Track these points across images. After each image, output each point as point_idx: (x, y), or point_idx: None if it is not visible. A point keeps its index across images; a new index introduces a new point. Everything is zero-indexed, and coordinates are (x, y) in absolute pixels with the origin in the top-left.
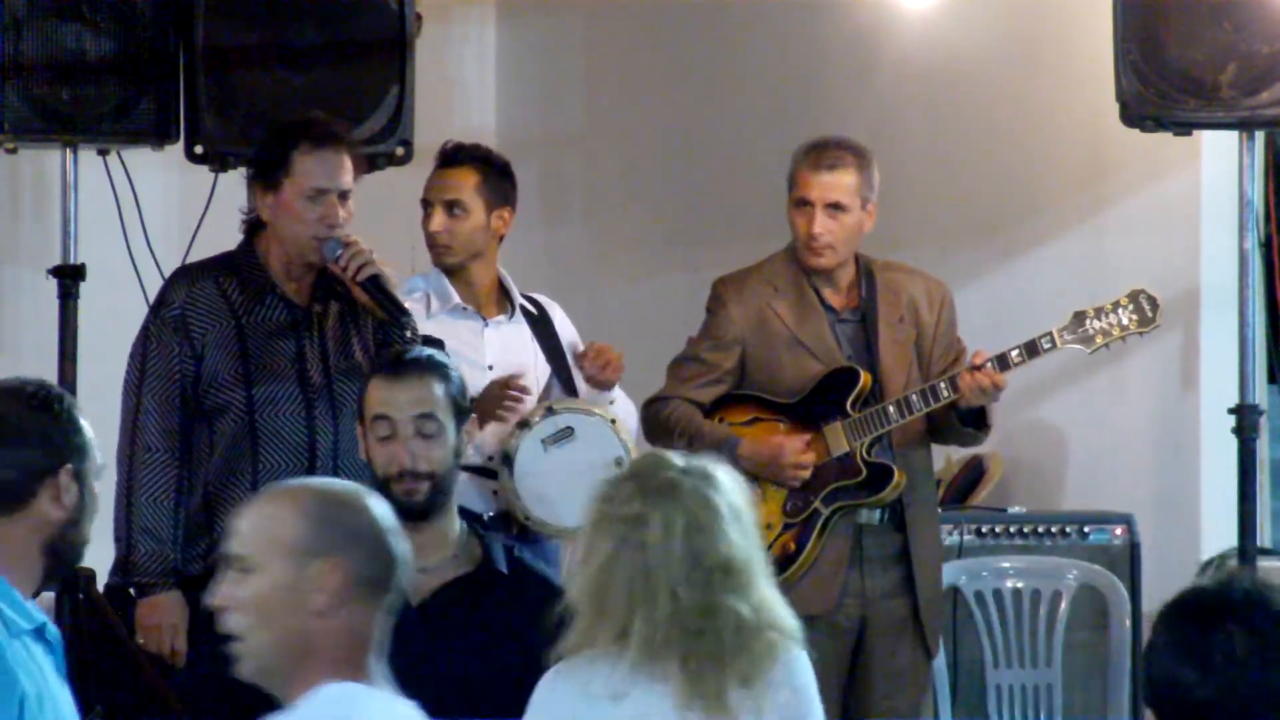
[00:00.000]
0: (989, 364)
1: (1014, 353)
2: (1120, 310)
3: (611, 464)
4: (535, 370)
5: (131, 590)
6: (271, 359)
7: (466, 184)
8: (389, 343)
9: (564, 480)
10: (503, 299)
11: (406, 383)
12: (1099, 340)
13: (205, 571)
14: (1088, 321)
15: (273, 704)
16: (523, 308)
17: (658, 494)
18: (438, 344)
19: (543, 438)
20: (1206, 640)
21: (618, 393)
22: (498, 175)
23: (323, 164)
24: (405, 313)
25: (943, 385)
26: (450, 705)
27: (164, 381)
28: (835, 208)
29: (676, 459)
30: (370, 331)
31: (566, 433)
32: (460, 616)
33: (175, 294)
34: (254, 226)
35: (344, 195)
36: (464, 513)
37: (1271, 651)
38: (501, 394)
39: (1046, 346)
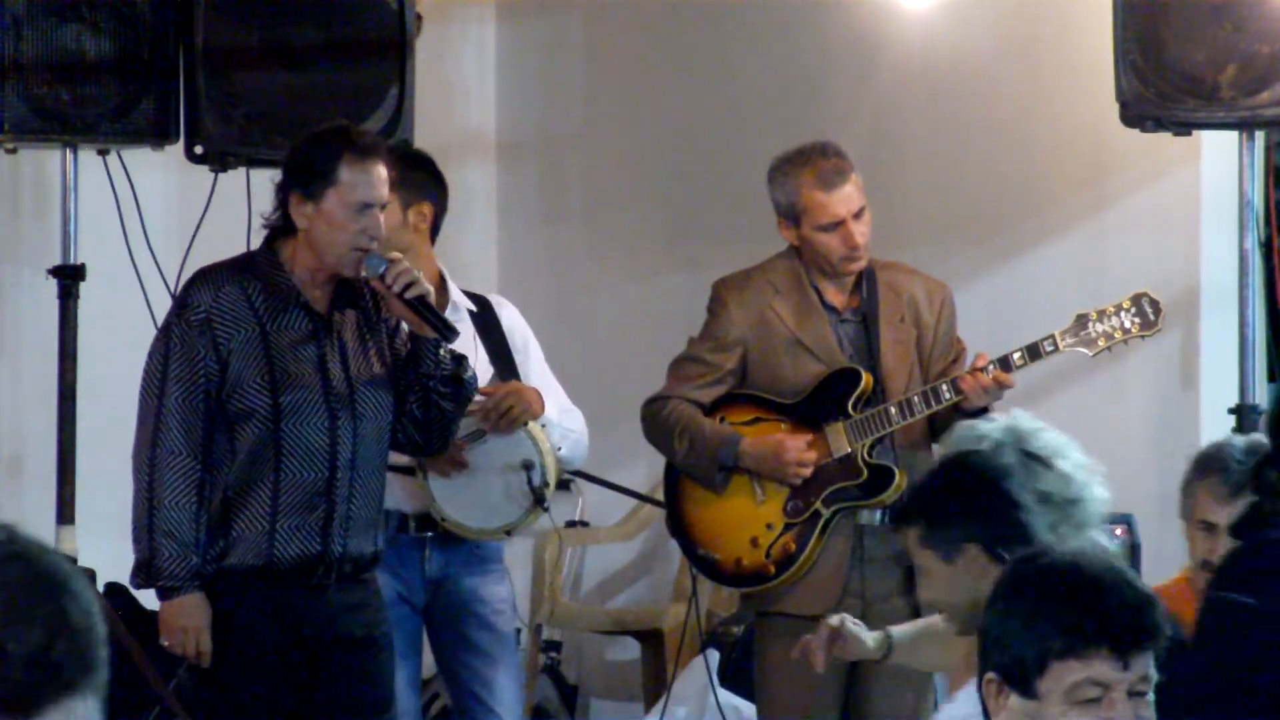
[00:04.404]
0: (991, 366)
1: (1016, 355)
2: (1122, 313)
3: (519, 466)
4: (475, 368)
5: (153, 592)
6: (296, 366)
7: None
8: (420, 356)
9: (474, 481)
10: (442, 296)
11: None
12: (1101, 343)
13: (218, 573)
14: (1090, 324)
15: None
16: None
17: None
18: (462, 359)
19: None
20: None
21: (564, 404)
22: (411, 170)
23: (368, 177)
24: (454, 330)
25: (944, 387)
26: None
27: (188, 384)
28: (859, 213)
29: None
30: (387, 340)
31: (478, 434)
32: None
33: (200, 297)
34: (276, 231)
35: (383, 207)
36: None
37: None
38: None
39: (1049, 349)
